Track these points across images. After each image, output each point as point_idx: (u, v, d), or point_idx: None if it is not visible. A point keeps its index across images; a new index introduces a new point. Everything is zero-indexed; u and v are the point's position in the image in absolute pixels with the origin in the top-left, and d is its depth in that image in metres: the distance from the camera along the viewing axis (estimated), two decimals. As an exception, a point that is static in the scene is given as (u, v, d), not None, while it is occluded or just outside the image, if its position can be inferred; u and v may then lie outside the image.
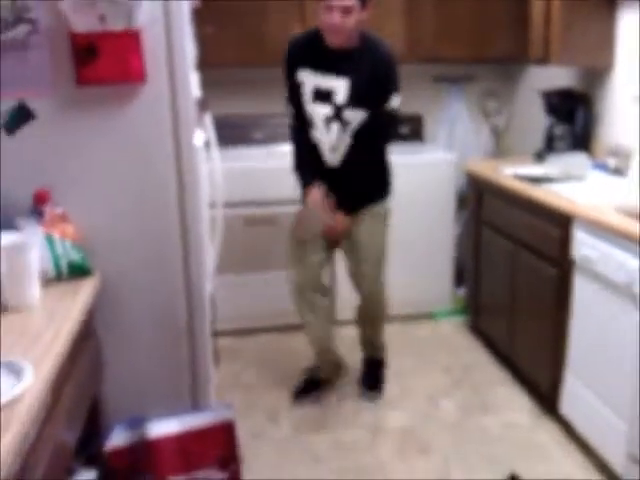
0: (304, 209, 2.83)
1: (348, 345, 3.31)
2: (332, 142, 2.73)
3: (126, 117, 1.90)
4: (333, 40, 2.58)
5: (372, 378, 3.20)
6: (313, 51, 2.67)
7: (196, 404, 2.11)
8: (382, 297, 3.07)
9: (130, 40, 1.88)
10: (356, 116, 2.68)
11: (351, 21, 2.53)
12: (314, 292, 2.96)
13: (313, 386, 3.13)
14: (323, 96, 2.66)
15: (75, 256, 1.85)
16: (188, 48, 1.98)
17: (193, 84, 2.05)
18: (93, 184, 1.92)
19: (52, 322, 1.58)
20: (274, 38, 3.63)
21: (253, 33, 3.62)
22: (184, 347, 2.05)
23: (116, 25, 1.85)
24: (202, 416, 2.06)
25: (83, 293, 1.78)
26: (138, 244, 1.95)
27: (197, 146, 2.01)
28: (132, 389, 2.04)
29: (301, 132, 2.81)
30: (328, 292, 3.12)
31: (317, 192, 2.75)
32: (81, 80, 1.87)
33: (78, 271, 1.86)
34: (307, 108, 2.72)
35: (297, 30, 3.60)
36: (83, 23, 1.82)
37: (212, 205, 2.47)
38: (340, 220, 2.80)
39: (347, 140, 2.73)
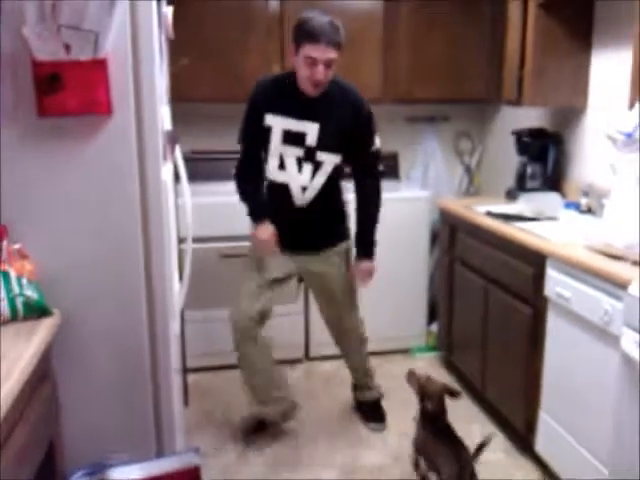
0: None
1: (322, 380, 3.15)
2: (303, 182, 2.61)
3: (90, 150, 1.74)
4: (312, 92, 2.50)
5: (376, 414, 3.09)
6: (283, 96, 2.57)
7: (161, 448, 1.93)
8: (360, 331, 3.01)
9: (96, 70, 1.72)
10: (328, 158, 2.60)
11: (332, 72, 2.47)
12: (253, 323, 2.72)
13: (260, 428, 2.93)
14: (294, 138, 2.57)
15: (32, 295, 1.67)
16: (158, 80, 1.84)
17: (162, 117, 1.91)
18: (54, 219, 1.74)
19: (3, 363, 1.41)
20: (252, 76, 3.50)
21: (232, 69, 3.51)
22: (148, 388, 1.87)
23: (82, 54, 1.70)
24: (166, 462, 1.88)
25: (40, 333, 1.61)
26: (100, 281, 1.78)
27: (165, 180, 1.85)
28: (93, 433, 1.85)
29: (251, 170, 2.72)
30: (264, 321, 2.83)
31: (266, 229, 2.68)
32: (43, 111, 1.71)
33: (35, 310, 1.67)
34: (274, 149, 2.60)
35: (275, 68, 3.53)
36: (47, 51, 1.67)
37: (182, 240, 2.32)
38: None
39: (321, 181, 2.62)
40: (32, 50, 1.67)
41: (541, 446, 2.63)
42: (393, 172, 4.09)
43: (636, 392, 1.96)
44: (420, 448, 2.44)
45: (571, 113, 3.36)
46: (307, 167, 2.59)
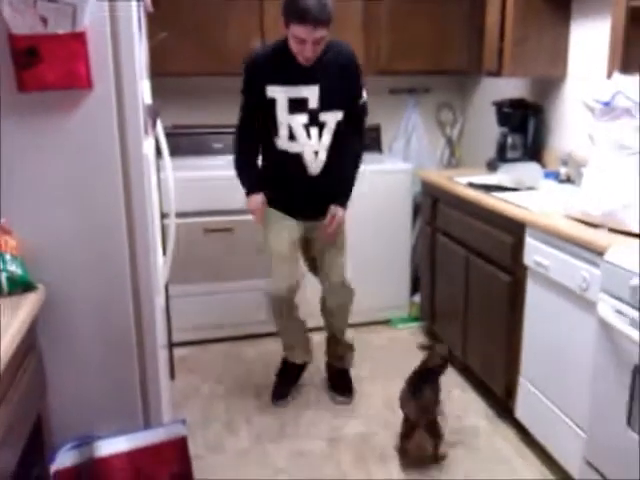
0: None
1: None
2: (314, 147, 2.67)
3: (71, 125, 1.73)
4: (305, 63, 2.53)
5: (342, 384, 3.12)
6: (280, 66, 2.58)
7: (148, 420, 1.95)
8: (349, 284, 2.99)
9: (75, 43, 1.71)
10: (331, 117, 2.66)
11: (322, 46, 2.50)
12: (291, 298, 2.92)
13: (291, 376, 3.12)
14: (298, 105, 2.60)
15: (16, 270, 1.68)
16: (137, 53, 1.83)
17: (143, 91, 1.90)
18: (36, 195, 1.74)
19: (-13, 338, 1.42)
20: (233, 49, 3.51)
21: (212, 43, 3.48)
22: (134, 361, 1.88)
23: (59, 27, 1.68)
24: (153, 433, 1.91)
25: (24, 308, 1.61)
26: (84, 256, 1.79)
27: (146, 155, 1.85)
28: (80, 407, 1.87)
29: (247, 140, 2.78)
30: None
31: (258, 199, 2.77)
32: (23, 86, 1.70)
33: (20, 285, 1.68)
34: (282, 120, 2.63)
35: (255, 42, 3.51)
36: (23, 25, 1.65)
37: (166, 215, 2.32)
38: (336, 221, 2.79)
39: (327, 142, 2.69)
40: (8, 24, 1.65)
41: (521, 412, 2.69)
42: (375, 144, 4.11)
43: (612, 357, 2.02)
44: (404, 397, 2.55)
45: (551, 83, 3.38)
46: (314, 131, 2.65)
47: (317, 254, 2.95)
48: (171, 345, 3.05)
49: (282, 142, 2.67)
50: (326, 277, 2.95)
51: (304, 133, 2.64)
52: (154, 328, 1.89)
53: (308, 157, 2.68)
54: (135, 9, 1.85)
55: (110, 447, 1.83)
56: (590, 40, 3.05)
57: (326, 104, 2.63)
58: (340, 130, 2.71)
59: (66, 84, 1.72)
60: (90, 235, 1.78)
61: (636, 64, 2.47)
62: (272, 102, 2.60)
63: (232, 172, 3.47)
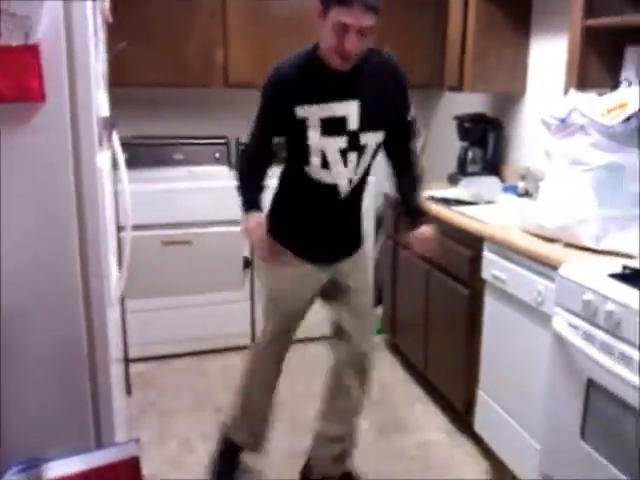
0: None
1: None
2: (351, 175, 2.21)
3: (23, 138, 1.71)
4: (340, 64, 2.06)
5: None
6: (311, 80, 2.12)
7: (100, 439, 1.93)
8: (372, 362, 2.42)
9: (28, 56, 1.70)
10: (373, 138, 2.20)
11: (368, 43, 2.05)
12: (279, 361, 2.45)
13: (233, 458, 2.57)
14: (334, 127, 2.13)
15: (-36, 285, 1.66)
16: (93, 66, 1.82)
17: (98, 103, 1.89)
18: (-15, 208, 1.72)
19: None
20: (195, 60, 3.52)
21: (174, 54, 3.48)
22: (85, 379, 1.85)
23: (12, 39, 1.67)
24: (105, 453, 1.87)
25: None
26: (35, 271, 1.76)
27: (101, 168, 1.84)
28: (30, 428, 1.83)
29: (260, 165, 2.30)
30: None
31: (259, 216, 2.24)
32: (-27, 97, 1.69)
33: (-33, 301, 1.66)
34: (315, 146, 2.15)
35: (219, 53, 3.52)
36: (-26, 36, 1.64)
37: (122, 228, 2.31)
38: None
39: (363, 168, 2.25)
40: (-41, 35, 1.64)
41: (479, 425, 2.72)
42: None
43: (566, 370, 2.06)
44: None
45: (511, 99, 3.45)
46: (352, 156, 2.19)
47: (335, 311, 2.41)
48: (127, 360, 3.02)
49: (314, 171, 2.19)
50: (346, 342, 2.38)
51: (340, 160, 2.17)
52: (106, 343, 1.87)
53: (343, 188, 2.23)
54: (91, 20, 1.84)
55: (59, 469, 1.78)
56: (549, 57, 3.13)
57: (367, 124, 2.15)
58: (391, 153, 2.37)
59: (18, 96, 1.71)
60: (41, 250, 1.76)
61: (592, 81, 2.55)
62: (301, 125, 2.13)
63: (191, 183, 3.49)
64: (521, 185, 3.10)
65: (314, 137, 2.13)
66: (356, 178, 2.24)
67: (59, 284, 1.79)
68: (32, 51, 1.71)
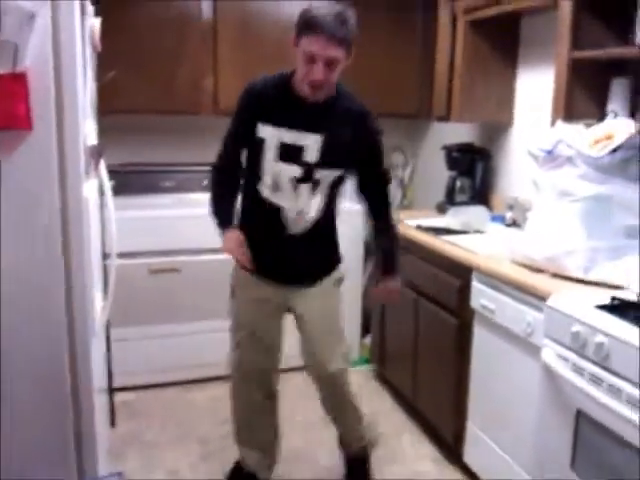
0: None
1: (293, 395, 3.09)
2: (300, 206, 2.25)
3: (9, 165, 1.70)
4: (311, 95, 2.12)
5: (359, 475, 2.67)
6: (278, 102, 2.19)
7: (82, 473, 1.89)
8: (343, 380, 2.45)
9: (15, 84, 1.69)
10: (328, 175, 2.25)
11: (335, 75, 2.10)
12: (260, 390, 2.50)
13: None
14: (291, 154, 2.18)
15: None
16: (81, 94, 1.82)
17: (85, 132, 1.88)
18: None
19: None
20: (184, 87, 3.52)
21: (163, 81, 3.48)
22: (68, 410, 1.81)
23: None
24: (88, 485, 1.84)
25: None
26: (19, 302, 1.73)
27: (87, 197, 1.83)
28: (10, 460, 1.79)
29: (229, 173, 2.38)
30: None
31: (236, 234, 2.30)
32: (-42, 125, 1.68)
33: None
34: (267, 166, 2.21)
35: (209, 79, 3.53)
36: (-39, 64, 1.64)
37: (108, 255, 2.28)
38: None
39: (318, 203, 2.28)
40: (-54, 62, 1.63)
41: (469, 456, 2.69)
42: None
43: (556, 401, 2.04)
44: None
45: (498, 129, 3.47)
46: (304, 188, 2.24)
47: (301, 332, 2.44)
48: (111, 390, 2.97)
49: (264, 190, 2.26)
50: (311, 370, 2.46)
51: (290, 187, 2.23)
52: (89, 373, 1.84)
53: (290, 214, 2.27)
54: (80, 48, 1.84)
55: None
56: (536, 88, 3.16)
57: (325, 160, 2.20)
58: (365, 198, 2.43)
59: (5, 124, 1.70)
60: (25, 279, 1.73)
61: (579, 113, 2.56)
62: (260, 143, 2.20)
63: (179, 211, 3.47)
64: (508, 215, 3.10)
65: (270, 159, 2.20)
66: (311, 212, 2.28)
67: (43, 314, 1.76)
68: (19, 79, 1.70)
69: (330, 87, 2.15)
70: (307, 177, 2.22)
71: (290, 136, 2.17)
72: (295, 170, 2.20)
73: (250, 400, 2.50)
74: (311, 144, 2.17)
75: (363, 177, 2.39)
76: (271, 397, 2.55)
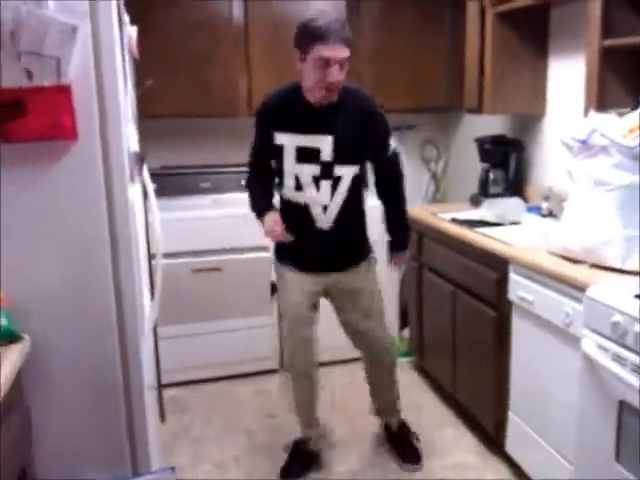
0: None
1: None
2: (324, 201, 2.42)
3: (56, 175, 1.73)
4: (328, 98, 2.29)
5: (408, 449, 2.85)
6: (291, 112, 2.38)
7: (136, 467, 1.92)
8: (393, 350, 2.79)
9: (60, 95, 1.73)
10: (348, 171, 2.41)
11: (345, 74, 2.28)
12: (309, 367, 2.68)
13: (301, 460, 2.77)
14: (308, 156, 2.37)
15: (1, 321, 1.67)
16: (123, 101, 1.84)
17: (128, 139, 1.91)
18: (21, 245, 1.73)
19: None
20: (220, 89, 3.56)
21: (198, 84, 3.53)
22: (121, 407, 1.85)
23: (44, 80, 1.70)
24: (141, 481, 1.88)
25: (10, 358, 1.60)
26: (70, 305, 1.77)
27: (133, 201, 1.86)
28: (66, 456, 1.83)
29: (263, 170, 2.59)
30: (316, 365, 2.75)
31: (274, 216, 2.48)
32: (7, 137, 1.71)
33: (5, 337, 1.66)
34: (289, 170, 2.42)
35: (242, 81, 3.55)
36: (8, 77, 1.67)
37: (153, 256, 2.32)
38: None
39: (341, 197, 2.44)
40: (-6, 78, 1.67)
41: (511, 446, 2.67)
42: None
43: (597, 392, 2.01)
44: None
45: (531, 119, 3.43)
46: (326, 184, 2.41)
47: (344, 315, 2.68)
48: (160, 387, 3.02)
49: (288, 192, 2.47)
50: (362, 344, 2.73)
51: (312, 186, 2.40)
52: (141, 371, 1.88)
53: (315, 210, 2.45)
54: (120, 59, 1.87)
55: (96, 497, 1.80)
56: (568, 77, 3.11)
57: (341, 158, 2.38)
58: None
59: (51, 135, 1.73)
60: (76, 283, 1.77)
61: (612, 102, 2.52)
62: (280, 149, 2.40)
63: (218, 211, 3.51)
64: (545, 206, 3.06)
65: (289, 162, 2.40)
66: (333, 208, 2.44)
67: (94, 316, 1.80)
68: (63, 90, 1.73)
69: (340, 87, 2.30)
70: (327, 174, 2.39)
71: (305, 140, 2.36)
72: (314, 169, 2.38)
73: (307, 386, 2.71)
74: (325, 145, 2.35)
75: (377, 163, 2.58)
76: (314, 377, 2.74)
